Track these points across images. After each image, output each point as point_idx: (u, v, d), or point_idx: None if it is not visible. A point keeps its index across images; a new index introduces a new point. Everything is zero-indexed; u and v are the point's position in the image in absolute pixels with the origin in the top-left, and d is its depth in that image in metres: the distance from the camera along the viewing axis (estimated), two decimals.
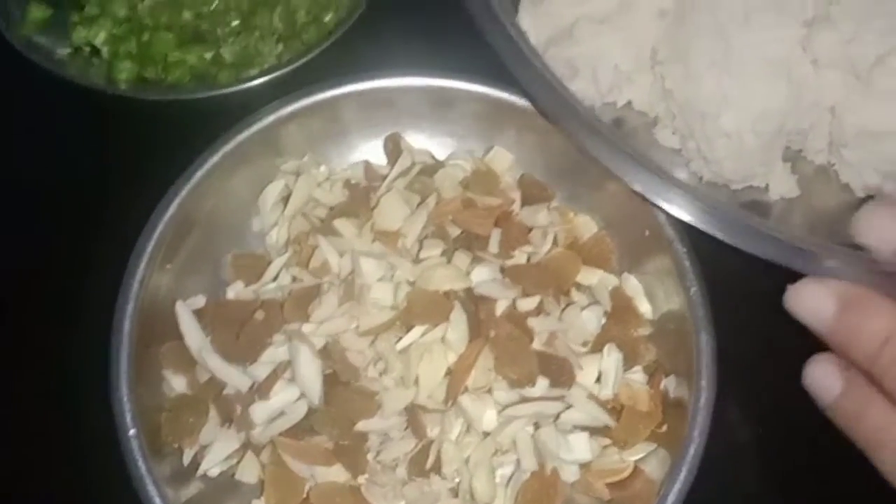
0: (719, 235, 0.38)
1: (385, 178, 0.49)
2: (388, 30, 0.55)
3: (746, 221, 0.39)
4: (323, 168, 0.50)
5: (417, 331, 0.43)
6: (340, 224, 0.45)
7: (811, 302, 0.35)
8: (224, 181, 0.47)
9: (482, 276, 0.44)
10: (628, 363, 0.45)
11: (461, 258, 0.45)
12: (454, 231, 0.47)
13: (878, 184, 0.46)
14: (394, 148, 0.50)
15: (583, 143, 0.40)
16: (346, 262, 0.45)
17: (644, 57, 0.48)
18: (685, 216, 0.39)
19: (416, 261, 0.45)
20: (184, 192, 0.46)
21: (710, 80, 0.46)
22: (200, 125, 0.49)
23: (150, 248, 0.44)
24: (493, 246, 0.45)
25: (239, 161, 0.47)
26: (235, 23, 0.55)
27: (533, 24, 0.49)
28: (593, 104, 0.48)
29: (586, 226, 0.49)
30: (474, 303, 0.44)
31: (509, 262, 0.46)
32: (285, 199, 0.49)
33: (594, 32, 0.48)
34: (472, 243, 0.46)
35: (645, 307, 0.47)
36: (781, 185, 0.47)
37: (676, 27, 0.47)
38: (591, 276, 0.47)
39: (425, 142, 0.51)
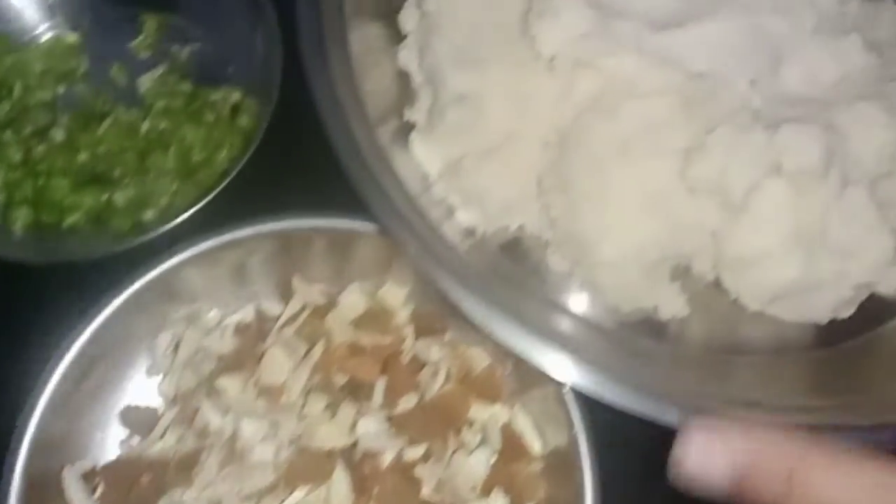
0: (586, 392, 0.39)
1: (277, 319, 0.49)
2: (280, 167, 0.55)
3: (615, 379, 0.40)
4: (214, 312, 0.51)
5: (300, 493, 0.43)
6: (224, 382, 0.46)
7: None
8: (117, 332, 0.47)
9: (367, 428, 0.44)
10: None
11: (346, 410, 0.45)
12: (341, 379, 0.47)
13: (759, 309, 0.47)
14: (286, 290, 0.51)
15: (450, 298, 0.40)
16: (229, 423, 0.45)
17: (531, 186, 0.49)
18: (555, 374, 0.39)
19: (301, 416, 0.45)
20: (75, 349, 0.45)
21: (590, 210, 0.47)
22: (95, 274, 0.49)
23: (38, 412, 0.44)
24: (378, 397, 0.45)
25: (133, 311, 0.47)
26: (130, 163, 0.55)
27: (425, 155, 0.50)
28: (485, 230, 0.49)
29: (478, 358, 0.49)
30: (359, 457, 0.44)
31: (396, 410, 0.46)
32: (177, 347, 0.49)
33: (481, 164, 0.49)
34: (358, 391, 0.46)
35: (535, 443, 0.47)
36: (670, 306, 0.48)
37: (559, 158, 0.48)
38: (482, 412, 0.48)
39: (319, 281, 0.51)
